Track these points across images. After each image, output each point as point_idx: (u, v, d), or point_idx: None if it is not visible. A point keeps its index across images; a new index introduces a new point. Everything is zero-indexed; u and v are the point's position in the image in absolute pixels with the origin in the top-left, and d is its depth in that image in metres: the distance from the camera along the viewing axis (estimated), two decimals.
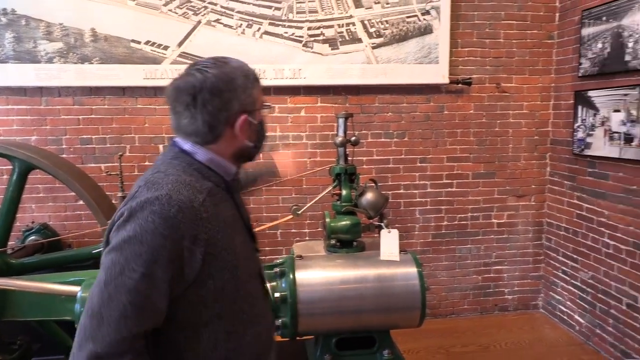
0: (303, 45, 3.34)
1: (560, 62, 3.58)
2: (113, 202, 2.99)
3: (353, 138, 2.41)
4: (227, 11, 3.26)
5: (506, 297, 3.88)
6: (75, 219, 3.39)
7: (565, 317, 3.60)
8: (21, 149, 2.52)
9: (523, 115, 3.68)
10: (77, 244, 3.35)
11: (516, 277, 3.87)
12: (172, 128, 1.21)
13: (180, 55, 3.25)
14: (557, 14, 3.58)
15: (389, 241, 2.21)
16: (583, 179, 3.33)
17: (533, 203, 3.80)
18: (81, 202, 3.10)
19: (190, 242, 1.06)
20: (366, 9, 3.37)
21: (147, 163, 3.39)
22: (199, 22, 3.25)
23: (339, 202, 2.38)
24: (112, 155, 3.34)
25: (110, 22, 3.18)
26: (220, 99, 1.16)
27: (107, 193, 2.98)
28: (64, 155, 3.26)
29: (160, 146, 3.40)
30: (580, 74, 3.28)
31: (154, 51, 3.23)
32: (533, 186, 3.78)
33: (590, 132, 3.19)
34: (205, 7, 3.24)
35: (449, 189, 3.70)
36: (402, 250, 2.26)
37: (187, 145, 1.21)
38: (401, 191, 3.65)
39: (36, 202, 3.34)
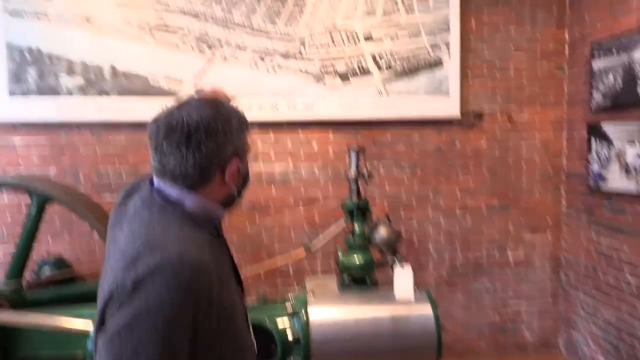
0: (315, 79, 3.40)
1: (571, 95, 3.58)
2: None
3: (366, 172, 2.41)
4: (241, 46, 3.35)
5: (525, 335, 3.76)
6: (90, 251, 3.41)
7: (587, 358, 3.47)
8: (40, 183, 2.57)
9: (536, 147, 3.67)
10: (90, 276, 3.36)
11: (535, 315, 3.76)
12: (152, 169, 1.10)
13: (195, 89, 3.32)
14: (567, 47, 3.61)
15: (403, 279, 2.18)
16: (600, 213, 3.28)
17: (549, 238, 3.73)
18: (96, 235, 3.14)
19: (206, 304, 0.95)
20: (377, 43, 3.43)
21: None
22: (214, 56, 3.33)
23: (351, 237, 2.37)
24: None
25: (129, 59, 3.28)
26: (216, 141, 1.06)
27: None
28: (80, 188, 3.31)
29: None
30: (593, 107, 3.27)
31: (171, 85, 3.31)
32: (549, 220, 3.72)
33: (606, 166, 3.15)
34: (221, 42, 3.33)
35: (463, 223, 3.66)
36: (417, 287, 2.22)
37: (173, 193, 1.08)
38: (414, 225, 3.62)
39: (52, 235, 3.37)
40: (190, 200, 1.08)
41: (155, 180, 1.11)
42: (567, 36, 3.60)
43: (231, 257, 1.22)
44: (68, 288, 2.86)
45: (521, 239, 3.71)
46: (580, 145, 3.47)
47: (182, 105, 1.09)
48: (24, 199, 3.25)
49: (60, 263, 3.21)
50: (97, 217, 2.64)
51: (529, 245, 3.72)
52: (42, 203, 2.60)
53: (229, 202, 1.18)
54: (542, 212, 3.71)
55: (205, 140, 1.05)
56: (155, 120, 1.08)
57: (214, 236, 1.11)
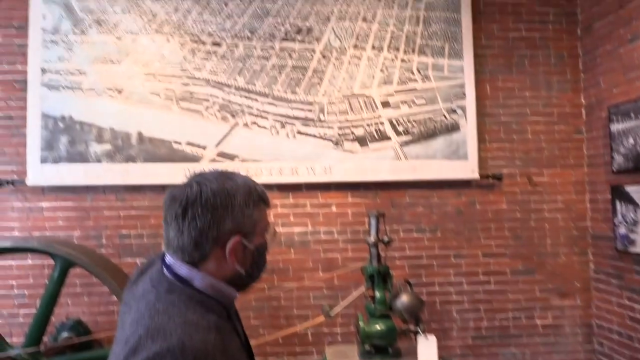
0: (334, 144, 3.48)
1: (592, 157, 3.57)
2: None
3: (386, 238, 2.40)
4: (263, 113, 3.48)
5: None
6: (109, 315, 3.40)
7: None
8: (64, 247, 2.62)
9: (559, 209, 3.61)
10: (108, 341, 3.32)
11: None
12: (163, 241, 1.10)
13: (217, 155, 3.43)
14: (584, 110, 3.65)
15: (427, 349, 2.10)
16: (631, 277, 3.15)
17: (579, 303, 3.58)
18: (115, 299, 3.14)
19: None
20: (394, 109, 3.53)
21: None
22: (237, 124, 3.46)
23: (372, 304, 2.32)
24: (148, 250, 3.42)
25: (156, 126, 3.42)
26: (212, 216, 1.03)
27: None
28: (102, 250, 3.36)
29: None
30: (614, 169, 3.25)
31: (194, 151, 3.42)
32: (577, 284, 3.59)
33: (633, 228, 3.08)
34: (243, 110, 3.47)
35: (487, 287, 3.55)
36: (441, 357, 2.13)
37: (183, 270, 1.05)
38: (436, 289, 3.53)
39: (72, 297, 3.39)
40: (199, 279, 1.04)
41: (167, 255, 1.09)
42: (583, 100, 3.65)
43: (243, 334, 1.17)
44: (85, 353, 2.84)
45: (549, 304, 3.57)
46: (604, 207, 3.41)
47: (195, 176, 1.10)
48: (47, 261, 3.31)
49: (78, 327, 3.20)
50: (118, 282, 2.65)
51: (557, 311, 3.57)
52: (65, 268, 2.65)
53: (239, 282, 1.10)
54: (569, 276, 3.59)
55: (201, 213, 1.02)
56: (169, 191, 1.09)
57: (223, 318, 1.04)
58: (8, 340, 2.64)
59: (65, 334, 3.11)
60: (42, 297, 2.64)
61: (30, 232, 3.40)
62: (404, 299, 2.27)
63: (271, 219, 1.19)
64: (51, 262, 2.72)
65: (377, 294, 2.32)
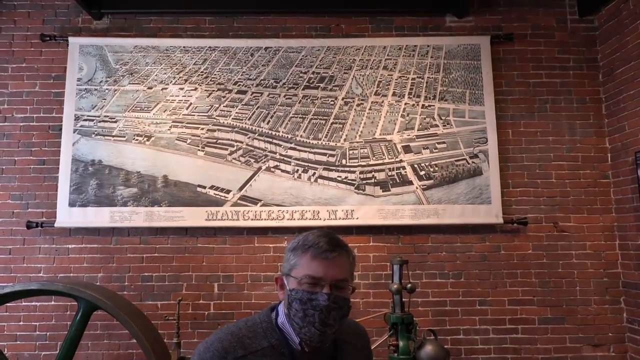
0: (355, 188, 3.50)
1: (619, 202, 3.49)
2: (166, 342, 2.98)
3: (409, 285, 2.36)
4: (286, 158, 3.54)
5: None
6: (128, 358, 3.38)
7: None
8: (88, 290, 2.65)
9: (587, 255, 3.51)
10: None
11: None
12: None
13: (240, 199, 3.47)
14: (609, 155, 3.60)
15: None
16: None
17: (613, 354, 3.41)
18: (135, 341, 3.12)
19: None
20: (415, 153, 3.55)
21: (201, 301, 3.43)
22: (260, 168, 3.53)
23: (396, 354, 2.26)
24: (169, 293, 3.43)
25: (181, 170, 3.52)
26: (284, 259, 1.27)
27: (160, 332, 2.99)
28: (124, 292, 3.38)
29: (216, 284, 3.46)
30: None
31: (217, 195, 3.48)
32: (610, 334, 3.43)
33: None
34: (266, 155, 3.54)
35: (514, 335, 3.42)
36: None
37: (280, 305, 1.28)
38: (461, 336, 3.42)
39: (92, 339, 3.39)
40: (281, 315, 1.26)
41: None
42: (608, 144, 3.61)
43: None
44: None
45: (581, 355, 3.40)
46: (635, 254, 3.30)
47: None
48: (70, 302, 3.34)
49: None
50: (139, 326, 2.65)
51: None
52: (88, 310, 2.66)
53: (293, 327, 1.22)
54: (601, 325, 3.44)
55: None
56: None
57: (278, 351, 1.20)
58: None
59: None
60: (64, 340, 2.64)
61: (56, 273, 3.46)
62: (428, 349, 2.20)
63: (320, 272, 1.21)
64: (73, 303, 2.75)
65: (401, 343, 2.26)
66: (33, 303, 3.41)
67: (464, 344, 3.41)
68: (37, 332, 3.40)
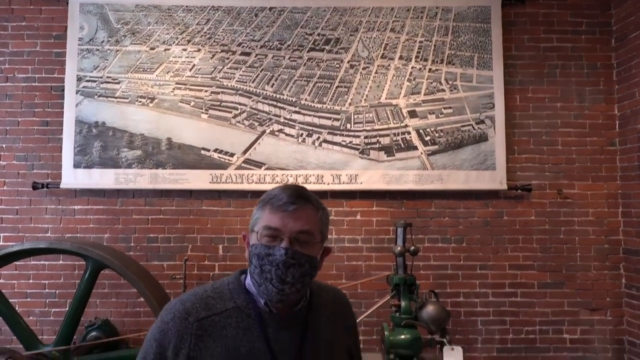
0: (360, 153, 3.49)
1: (625, 169, 3.48)
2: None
3: (412, 248, 2.39)
4: (290, 122, 3.51)
5: None
6: (135, 315, 3.47)
7: None
8: (96, 249, 2.69)
9: (589, 222, 3.53)
10: (135, 341, 3.38)
11: None
12: None
13: (244, 162, 3.47)
14: (617, 122, 3.56)
15: None
16: None
17: (610, 318, 3.48)
18: (142, 299, 3.20)
19: (173, 353, 1.08)
20: (421, 118, 3.52)
21: (206, 262, 3.49)
22: (264, 132, 3.51)
23: (397, 314, 2.31)
24: (174, 254, 3.49)
25: (185, 133, 3.50)
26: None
27: (167, 291, 3.06)
28: (130, 253, 3.44)
29: (220, 246, 3.51)
30: None
31: (221, 158, 3.48)
32: (608, 299, 3.49)
33: None
34: (270, 119, 3.51)
35: (513, 299, 3.49)
36: None
37: (251, 267, 1.17)
38: (460, 299, 3.48)
39: (100, 298, 3.47)
40: (249, 277, 1.17)
41: None
42: (617, 111, 3.57)
43: (276, 351, 1.13)
44: (112, 353, 2.90)
45: (578, 318, 3.48)
46: (638, 221, 3.32)
47: None
48: (78, 262, 3.41)
49: (106, 327, 3.27)
50: (146, 284, 2.70)
51: (587, 326, 3.47)
52: (96, 269, 2.72)
53: (256, 288, 1.14)
54: (600, 291, 3.50)
55: None
56: None
57: (244, 313, 1.13)
58: (39, 338, 2.72)
59: (93, 334, 3.18)
60: (74, 298, 2.71)
61: (63, 233, 3.50)
62: (430, 309, 2.25)
63: (277, 224, 1.11)
64: (82, 263, 2.80)
65: (403, 304, 2.31)
66: (42, 262, 3.48)
67: (464, 307, 3.48)
68: (47, 290, 3.48)
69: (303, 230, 1.11)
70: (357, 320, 2.45)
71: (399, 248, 2.38)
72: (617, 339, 3.47)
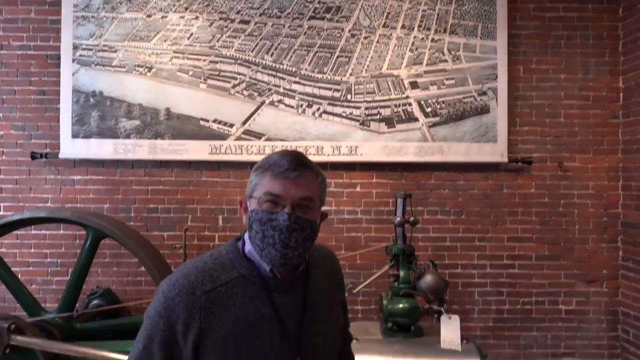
0: (360, 124, 3.46)
1: (627, 142, 3.46)
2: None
3: (412, 218, 2.39)
4: (290, 92, 3.47)
5: None
6: (136, 284, 3.51)
7: None
8: (96, 219, 2.70)
9: (589, 195, 3.53)
10: (136, 310, 3.43)
11: None
12: None
13: (244, 133, 3.45)
14: (621, 94, 3.52)
15: (450, 328, 2.11)
16: None
17: (605, 290, 3.52)
18: (143, 269, 3.23)
19: (183, 327, 1.08)
20: (422, 90, 3.47)
21: (206, 233, 3.51)
22: (263, 102, 3.47)
23: (396, 283, 2.33)
24: (174, 224, 3.50)
25: (183, 103, 3.46)
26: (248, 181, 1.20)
27: (168, 261, 3.08)
28: (131, 223, 3.45)
29: (220, 217, 3.52)
30: None
31: (220, 128, 3.45)
32: (604, 271, 3.53)
33: None
34: (270, 89, 3.47)
35: (511, 270, 3.52)
36: (465, 337, 2.14)
37: (246, 233, 1.20)
38: (458, 271, 3.52)
39: (102, 267, 3.50)
40: (248, 244, 1.19)
41: None
42: (621, 84, 3.52)
43: (282, 315, 1.16)
44: (114, 321, 2.94)
45: (574, 290, 3.52)
46: (638, 195, 3.32)
47: None
48: (79, 232, 3.42)
49: (108, 295, 3.31)
50: (146, 253, 2.72)
51: (582, 297, 3.52)
52: (96, 238, 2.73)
53: (258, 253, 1.15)
54: (597, 263, 3.53)
55: None
56: None
57: (249, 280, 1.15)
58: (42, 306, 2.76)
59: (95, 302, 3.22)
60: (75, 266, 2.73)
61: (63, 203, 3.51)
62: (428, 279, 2.27)
63: (280, 190, 1.11)
64: (82, 232, 2.81)
65: (402, 273, 2.33)
66: (42, 231, 3.50)
67: (461, 278, 3.52)
68: (49, 259, 3.51)
69: (305, 197, 1.13)
70: (356, 291, 2.50)
71: (398, 219, 2.38)
72: (612, 310, 3.52)
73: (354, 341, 2.14)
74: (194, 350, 1.08)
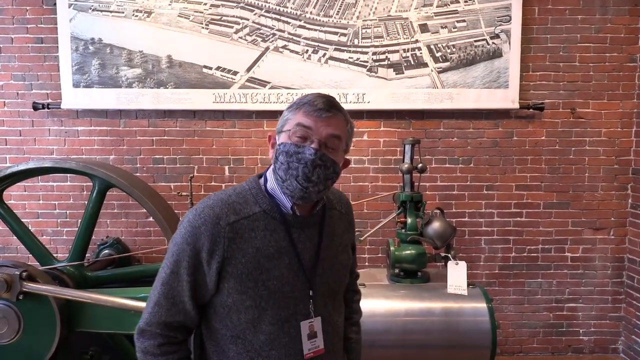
0: (367, 70, 3.35)
1: None
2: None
3: (419, 165, 2.35)
4: (295, 37, 3.35)
5: (581, 338, 3.59)
6: (145, 234, 3.55)
7: None
8: (101, 169, 2.68)
9: (601, 142, 3.46)
10: (145, 259, 3.49)
11: (593, 317, 3.58)
12: None
13: (248, 80, 3.36)
14: None
15: (457, 273, 2.12)
16: None
17: (612, 237, 3.52)
18: (151, 219, 3.26)
19: (208, 254, 1.14)
20: (432, 33, 3.33)
21: (213, 183, 3.50)
22: (267, 48, 3.35)
23: (403, 230, 2.32)
24: (181, 175, 3.49)
25: (185, 50, 3.35)
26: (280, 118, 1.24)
27: (175, 211, 3.09)
28: (137, 174, 3.45)
29: (226, 167, 3.50)
30: None
31: (224, 76, 3.36)
32: (612, 219, 3.51)
33: None
34: (274, 34, 3.34)
35: (518, 219, 3.52)
36: (471, 283, 2.16)
37: (269, 170, 1.26)
38: (466, 219, 3.52)
39: (111, 218, 3.53)
40: (270, 181, 1.23)
41: None
42: None
43: (300, 250, 1.22)
44: (124, 269, 2.99)
45: (581, 237, 3.53)
46: None
47: None
48: (85, 183, 3.43)
49: (117, 245, 3.36)
50: (154, 203, 2.72)
51: (589, 244, 3.53)
52: (103, 188, 2.72)
53: (281, 186, 1.19)
54: (605, 211, 3.51)
55: None
56: None
57: (269, 215, 1.20)
58: (54, 256, 2.80)
59: (105, 251, 3.28)
60: (83, 216, 2.74)
61: (68, 154, 3.49)
62: (435, 225, 2.26)
63: (311, 124, 1.14)
64: (89, 183, 2.80)
65: (409, 220, 2.32)
66: (50, 183, 3.50)
67: (468, 226, 3.52)
68: (57, 210, 3.54)
69: (334, 135, 1.16)
70: (363, 238, 2.50)
71: (406, 165, 2.34)
72: (618, 257, 3.54)
73: (362, 287, 2.17)
74: (217, 276, 1.15)
